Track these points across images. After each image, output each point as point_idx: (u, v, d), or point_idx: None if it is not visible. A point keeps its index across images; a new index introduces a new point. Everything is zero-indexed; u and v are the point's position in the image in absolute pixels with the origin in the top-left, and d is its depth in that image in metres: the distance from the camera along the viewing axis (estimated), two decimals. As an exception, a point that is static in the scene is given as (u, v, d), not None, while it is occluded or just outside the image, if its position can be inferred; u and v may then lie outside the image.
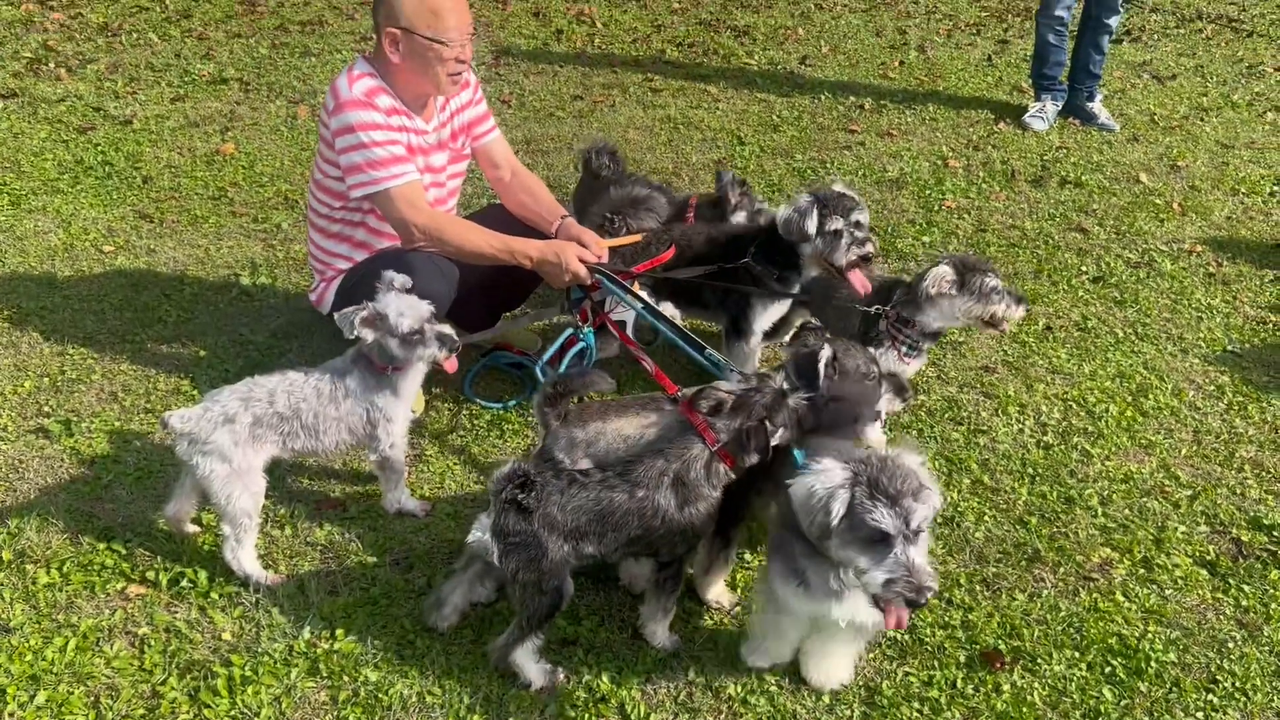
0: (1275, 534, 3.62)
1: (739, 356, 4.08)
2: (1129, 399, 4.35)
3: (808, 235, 3.77)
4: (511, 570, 2.79)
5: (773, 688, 2.94)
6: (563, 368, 3.93)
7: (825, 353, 3.02)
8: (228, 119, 6.87)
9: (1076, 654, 3.11)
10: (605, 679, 2.94)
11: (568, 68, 8.19)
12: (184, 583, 3.20)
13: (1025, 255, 5.58)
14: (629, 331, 3.99)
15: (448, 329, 3.34)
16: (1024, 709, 2.91)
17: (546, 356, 3.91)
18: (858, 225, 3.77)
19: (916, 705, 2.91)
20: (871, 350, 3.59)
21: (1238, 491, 3.83)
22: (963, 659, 3.07)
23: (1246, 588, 3.38)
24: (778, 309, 4.05)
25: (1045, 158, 6.86)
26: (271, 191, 5.84)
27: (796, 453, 2.88)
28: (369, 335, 3.25)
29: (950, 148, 6.97)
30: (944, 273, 3.69)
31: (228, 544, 3.18)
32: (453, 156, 4.07)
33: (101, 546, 3.32)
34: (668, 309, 4.50)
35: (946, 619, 3.20)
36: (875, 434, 3.94)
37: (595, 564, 2.95)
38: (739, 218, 4.46)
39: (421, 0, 3.64)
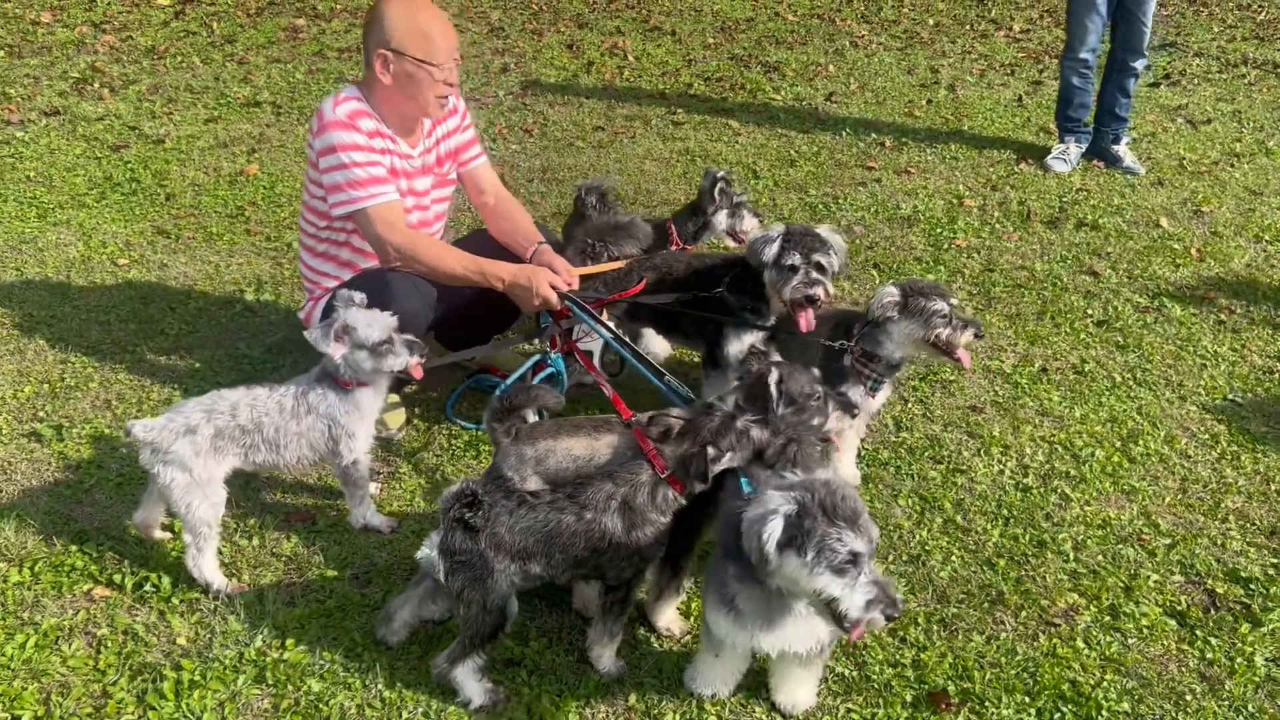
0: (1251, 587, 3.53)
1: (715, 386, 4.09)
2: (1117, 444, 4.29)
3: (764, 263, 3.79)
4: (457, 588, 2.82)
5: (711, 718, 2.93)
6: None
7: (773, 375, 3.04)
8: (256, 140, 7.07)
9: (1027, 699, 3.05)
10: (545, 701, 2.96)
11: (593, 99, 8.30)
12: (147, 587, 3.29)
13: (1030, 296, 5.53)
14: (596, 361, 4.02)
15: (413, 337, 3.41)
16: (966, 753, 2.87)
17: (510, 381, 3.95)
18: (817, 266, 3.77)
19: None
20: (837, 384, 3.60)
21: (1219, 542, 3.75)
22: (909, 698, 3.04)
23: (1214, 640, 3.30)
24: (752, 339, 4.06)
25: (1064, 199, 6.80)
26: (288, 211, 6.00)
27: (744, 481, 2.89)
28: (339, 351, 3.32)
29: (967, 187, 6.94)
30: (889, 293, 3.66)
31: (189, 552, 3.26)
32: (437, 181, 4.16)
33: (74, 549, 3.41)
34: (652, 335, 4.54)
35: (898, 657, 3.17)
36: (848, 467, 3.95)
37: (544, 585, 2.98)
38: (720, 218, 4.50)
39: (413, 23, 3.74)
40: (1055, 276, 5.77)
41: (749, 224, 4.69)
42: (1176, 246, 6.19)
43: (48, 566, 3.34)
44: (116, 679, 2.96)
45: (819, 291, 3.77)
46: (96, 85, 8.01)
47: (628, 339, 3.89)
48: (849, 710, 2.98)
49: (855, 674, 3.09)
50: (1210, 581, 3.56)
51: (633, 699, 2.99)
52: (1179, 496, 3.99)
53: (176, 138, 7.02)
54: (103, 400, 4.19)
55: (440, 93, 3.82)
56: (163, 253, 5.45)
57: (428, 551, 2.83)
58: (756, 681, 3.01)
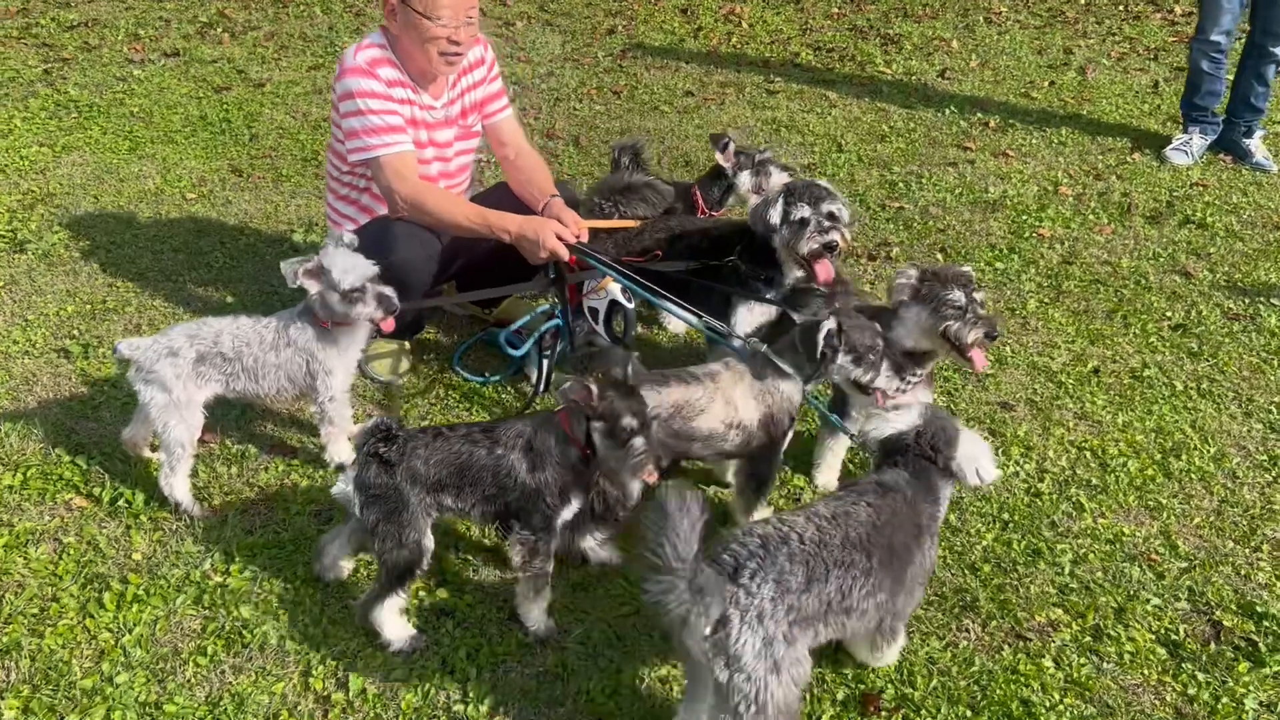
0: (1266, 624, 3.19)
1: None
2: (1157, 457, 3.94)
3: (773, 226, 3.62)
4: (372, 522, 2.84)
5: (624, 687, 2.85)
6: (554, 357, 3.94)
7: (829, 324, 3.05)
8: (351, 89, 7.23)
9: (969, 712, 2.85)
10: (462, 653, 2.94)
11: (692, 64, 8.15)
12: (121, 502, 3.43)
13: (1106, 293, 5.13)
14: (600, 322, 3.94)
15: (388, 291, 3.40)
16: (884, 760, 2.70)
17: (515, 326, 3.92)
18: (829, 216, 3.58)
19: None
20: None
21: (1241, 572, 3.40)
22: (840, 695, 2.88)
23: (1203, 676, 3.00)
24: (762, 311, 3.90)
25: (1174, 194, 6.28)
26: (360, 158, 6.11)
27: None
28: (312, 288, 3.36)
29: (1068, 174, 6.49)
30: (907, 274, 3.42)
31: (163, 470, 3.37)
32: (460, 133, 4.15)
33: (66, 459, 3.59)
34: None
35: (839, 653, 3.00)
36: (829, 479, 3.73)
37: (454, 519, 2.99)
38: (744, 178, 4.33)
39: None
40: (1140, 274, 5.33)
41: (777, 180, 4.45)
42: (1292, 252, 5.64)
43: (39, 474, 3.52)
44: (68, 585, 3.09)
45: (835, 238, 3.60)
46: (219, 30, 8.37)
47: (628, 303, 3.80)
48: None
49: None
50: (1219, 613, 3.24)
51: (550, 660, 2.93)
52: (1211, 519, 3.64)
53: (277, 82, 7.27)
54: (134, 324, 4.38)
55: (444, 49, 3.78)
56: (230, 190, 5.66)
57: (343, 487, 2.85)
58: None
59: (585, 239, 3.85)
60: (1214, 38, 6.55)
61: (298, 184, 5.76)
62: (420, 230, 3.86)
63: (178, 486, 3.38)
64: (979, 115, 7.37)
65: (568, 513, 2.91)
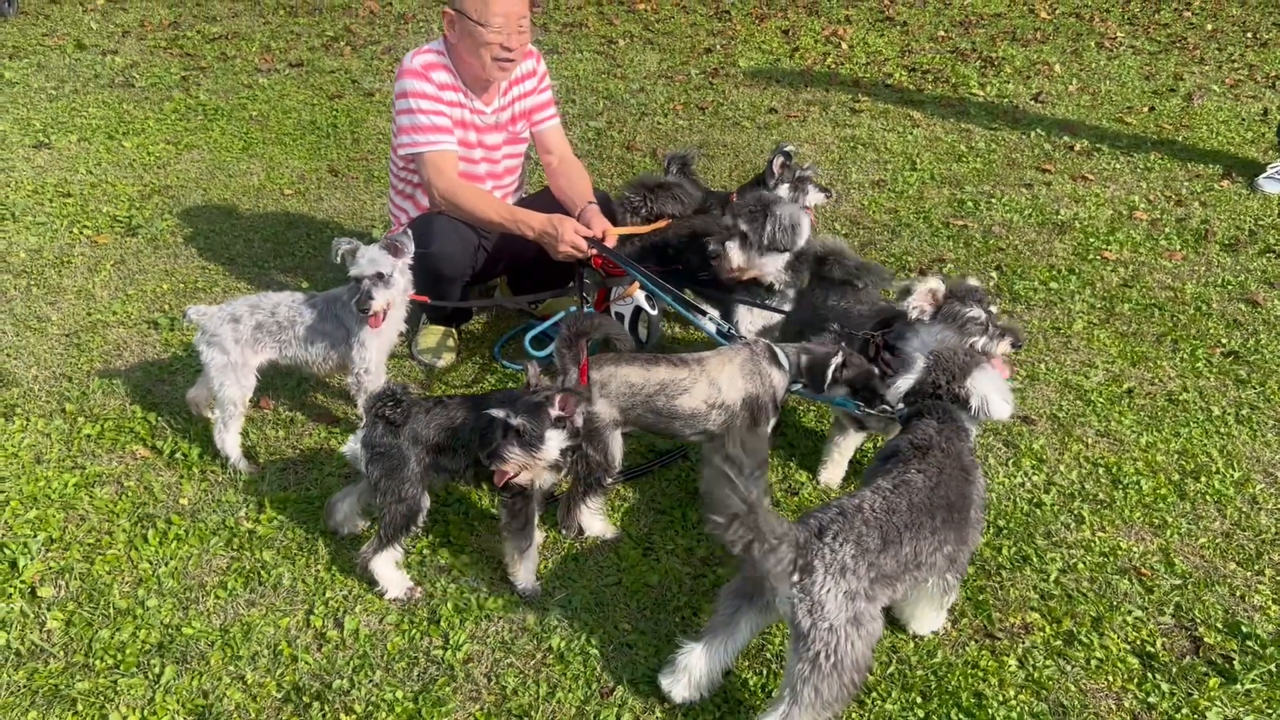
0: (1249, 644, 3.17)
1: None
2: (1175, 478, 3.91)
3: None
4: (375, 478, 3.14)
5: (594, 649, 3.05)
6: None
7: (836, 359, 3.28)
8: (452, 100, 7.68)
9: (919, 699, 2.95)
10: (451, 606, 3.20)
11: (781, 84, 8.32)
12: (178, 454, 3.83)
13: (1161, 318, 5.06)
14: (625, 325, 4.16)
15: (373, 295, 3.63)
16: (825, 734, 2.82)
17: (541, 328, 4.18)
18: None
19: (724, 708, 2.91)
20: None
21: (1238, 593, 3.37)
22: (796, 674, 3.00)
23: (1168, 686, 3.01)
24: (762, 314, 4.07)
25: (1260, 222, 6.11)
26: (447, 163, 6.52)
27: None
28: (350, 267, 3.70)
29: (1148, 199, 6.39)
30: (925, 290, 3.52)
31: (216, 426, 3.76)
32: (509, 138, 4.45)
33: (139, 415, 4.02)
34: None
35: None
36: (835, 477, 3.87)
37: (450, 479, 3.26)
38: (781, 191, 4.49)
39: None
40: (1203, 300, 5.24)
41: (813, 199, 4.63)
42: (1375, 285, 5.43)
43: (114, 426, 3.96)
44: (122, 522, 3.49)
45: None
46: (342, 44, 8.98)
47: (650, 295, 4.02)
48: (736, 671, 2.99)
49: (756, 641, 3.09)
50: (1202, 629, 3.23)
51: (530, 619, 3.16)
52: (1218, 540, 3.61)
53: (384, 92, 7.77)
54: (218, 303, 4.81)
55: (497, 55, 4.08)
56: (325, 188, 6.12)
57: (353, 445, 3.15)
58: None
59: (612, 244, 4.08)
60: (1313, 64, 6.35)
61: (386, 184, 6.16)
62: (460, 226, 4.17)
63: (228, 441, 3.75)
64: (1065, 139, 7.30)
65: (548, 478, 3.15)
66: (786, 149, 4.60)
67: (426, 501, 3.17)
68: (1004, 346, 3.52)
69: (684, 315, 3.91)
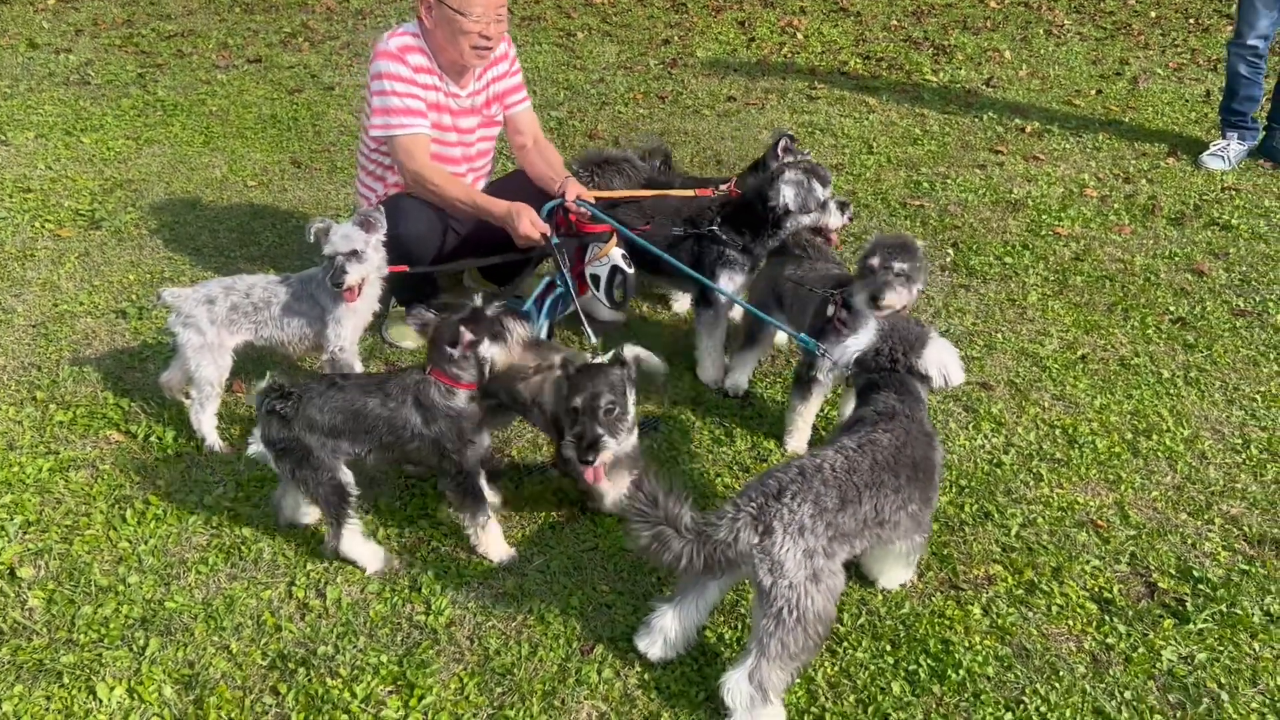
0: (1200, 587, 3.31)
1: (707, 324, 4.24)
2: (1127, 436, 4.06)
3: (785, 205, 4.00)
4: (288, 472, 3.19)
5: (574, 610, 3.13)
6: (544, 313, 4.25)
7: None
8: (413, 92, 7.72)
9: (889, 646, 3.05)
10: (431, 574, 3.26)
11: (739, 73, 8.44)
12: (153, 439, 3.85)
13: (1112, 288, 5.23)
14: (601, 288, 4.21)
15: (346, 270, 3.70)
16: (799, 682, 2.91)
17: (528, 303, 4.24)
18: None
19: (701, 660, 3.00)
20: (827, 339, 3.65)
21: (1189, 541, 3.52)
22: (769, 628, 3.10)
23: (1124, 629, 3.14)
24: (742, 279, 4.17)
25: (1205, 197, 6.31)
26: (411, 154, 6.56)
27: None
28: (324, 247, 3.75)
29: (1097, 177, 6.57)
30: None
31: (192, 406, 3.79)
32: (483, 122, 4.51)
33: (111, 400, 4.04)
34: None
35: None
36: (799, 445, 3.95)
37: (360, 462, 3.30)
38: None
39: None
40: (1152, 271, 5.41)
41: (835, 222, 4.70)
42: (1316, 255, 5.63)
43: (86, 413, 3.97)
44: (99, 504, 3.51)
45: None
46: (300, 40, 8.97)
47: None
48: (707, 630, 3.08)
49: (731, 597, 3.18)
50: (1156, 575, 3.37)
51: (509, 584, 3.23)
52: (1170, 493, 3.76)
53: (345, 85, 7.79)
54: (186, 291, 4.84)
55: (476, 43, 4.14)
56: (288, 180, 6.14)
57: (256, 446, 3.20)
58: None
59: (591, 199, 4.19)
60: (1251, 41, 6.58)
61: (350, 175, 6.21)
62: (427, 208, 4.23)
63: (205, 422, 3.79)
64: (1017, 121, 7.48)
65: (474, 453, 3.23)
66: (788, 133, 4.68)
67: (348, 477, 3.20)
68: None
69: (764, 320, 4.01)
